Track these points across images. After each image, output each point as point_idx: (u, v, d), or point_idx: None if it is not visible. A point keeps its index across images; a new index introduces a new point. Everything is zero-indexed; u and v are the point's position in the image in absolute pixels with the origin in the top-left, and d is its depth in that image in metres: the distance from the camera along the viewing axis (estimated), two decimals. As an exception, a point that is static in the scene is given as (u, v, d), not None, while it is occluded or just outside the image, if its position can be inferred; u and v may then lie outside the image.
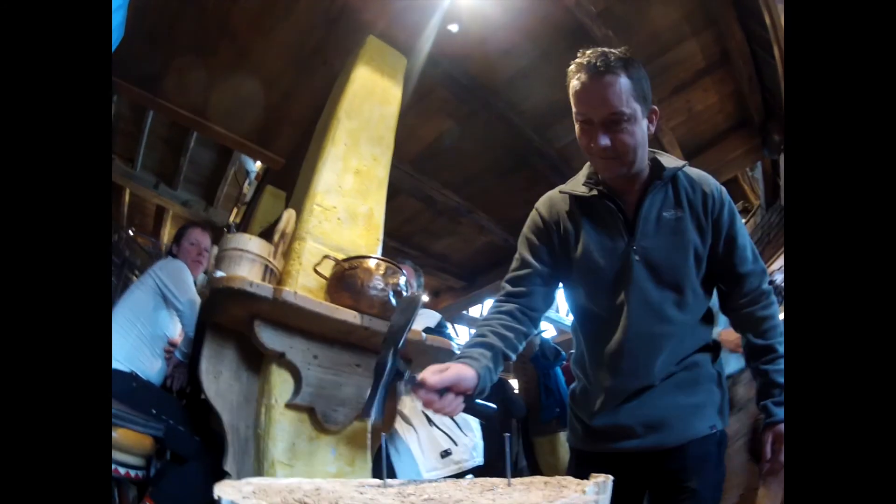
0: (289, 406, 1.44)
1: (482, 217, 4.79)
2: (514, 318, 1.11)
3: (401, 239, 5.19)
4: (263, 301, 1.30)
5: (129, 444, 1.57)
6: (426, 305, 3.67)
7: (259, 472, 1.39)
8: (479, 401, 1.00)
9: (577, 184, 1.17)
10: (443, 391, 0.91)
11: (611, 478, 0.66)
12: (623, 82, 1.01)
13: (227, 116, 3.41)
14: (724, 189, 1.14)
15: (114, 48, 1.44)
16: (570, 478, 0.76)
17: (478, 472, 2.21)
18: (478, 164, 4.24)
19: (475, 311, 9.67)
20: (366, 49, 2.49)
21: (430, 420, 2.19)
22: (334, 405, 1.47)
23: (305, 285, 1.62)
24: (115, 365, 1.77)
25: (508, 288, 1.16)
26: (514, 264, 1.18)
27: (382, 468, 0.87)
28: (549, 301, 1.18)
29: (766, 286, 1.14)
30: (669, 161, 1.12)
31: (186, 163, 5.35)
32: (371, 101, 2.37)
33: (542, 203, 1.21)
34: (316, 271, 1.60)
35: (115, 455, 1.55)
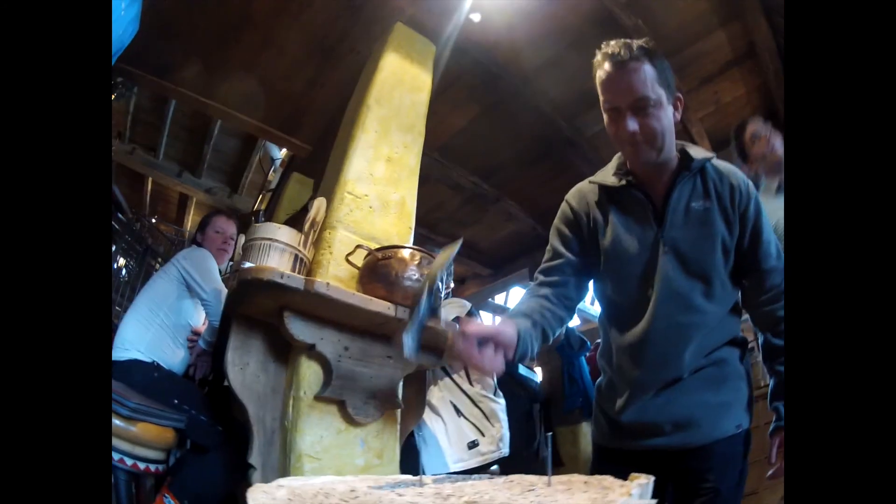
0: (318, 398, 1.41)
1: (510, 205, 4.82)
2: (550, 301, 1.12)
3: (428, 226, 5.18)
4: (294, 292, 1.26)
5: (149, 438, 1.54)
6: (455, 293, 3.63)
7: (285, 464, 1.36)
8: (522, 370, 1.01)
9: (606, 174, 1.18)
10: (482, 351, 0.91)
11: (652, 478, 0.64)
12: (647, 69, 1.03)
13: (251, 105, 3.40)
14: (751, 183, 1.14)
15: (129, 40, 1.41)
16: (611, 478, 0.72)
17: (503, 462, 2.20)
18: (506, 152, 4.25)
19: (501, 299, 9.68)
20: (394, 36, 2.45)
21: (458, 411, 2.18)
22: (365, 398, 1.44)
23: (336, 275, 1.58)
24: (137, 355, 1.76)
25: (541, 278, 1.17)
26: (546, 255, 1.20)
27: (420, 464, 0.83)
28: (581, 291, 1.19)
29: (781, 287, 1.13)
30: (698, 152, 1.13)
31: (210, 151, 5.41)
32: (401, 88, 2.34)
33: (571, 194, 1.23)
34: (348, 261, 1.56)
35: (135, 450, 1.53)
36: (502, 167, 4.39)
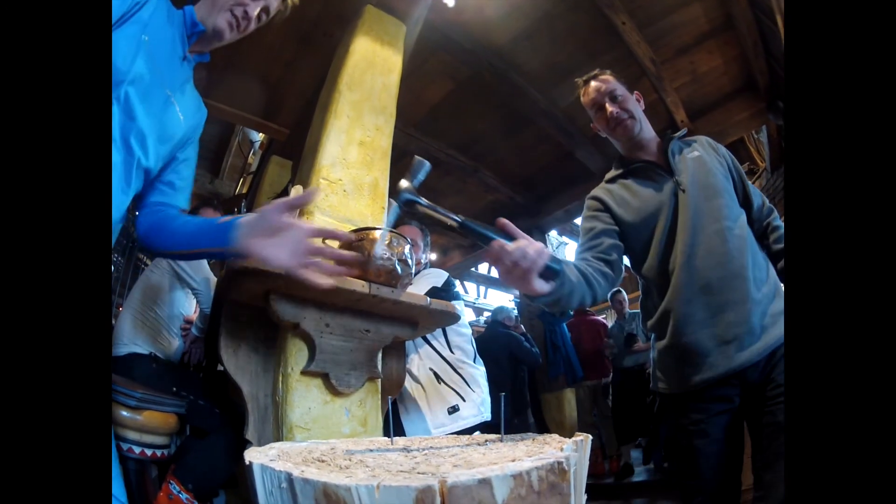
0: (304, 373, 1.52)
1: (488, 176, 4.87)
2: (594, 259, 1.26)
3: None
4: (277, 277, 1.36)
5: (154, 424, 1.64)
6: (433, 264, 3.66)
7: (278, 437, 1.48)
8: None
9: (612, 172, 1.47)
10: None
11: (589, 437, 0.72)
12: (609, 76, 1.47)
13: (228, 90, 3.43)
14: None
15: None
16: (554, 435, 0.83)
17: (486, 427, 2.32)
18: (482, 124, 4.30)
19: (484, 269, 9.82)
20: (364, 19, 2.50)
21: (438, 377, 2.27)
22: (346, 369, 1.55)
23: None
24: (135, 349, 1.87)
25: (580, 249, 1.32)
26: (583, 238, 1.35)
27: (390, 427, 0.95)
28: (621, 254, 1.34)
29: (769, 204, 1.44)
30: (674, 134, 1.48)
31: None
32: (372, 71, 2.40)
33: (591, 194, 1.45)
34: (324, 244, 1.65)
35: (143, 438, 1.62)
36: (479, 139, 4.43)
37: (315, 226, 1.03)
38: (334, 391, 1.54)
